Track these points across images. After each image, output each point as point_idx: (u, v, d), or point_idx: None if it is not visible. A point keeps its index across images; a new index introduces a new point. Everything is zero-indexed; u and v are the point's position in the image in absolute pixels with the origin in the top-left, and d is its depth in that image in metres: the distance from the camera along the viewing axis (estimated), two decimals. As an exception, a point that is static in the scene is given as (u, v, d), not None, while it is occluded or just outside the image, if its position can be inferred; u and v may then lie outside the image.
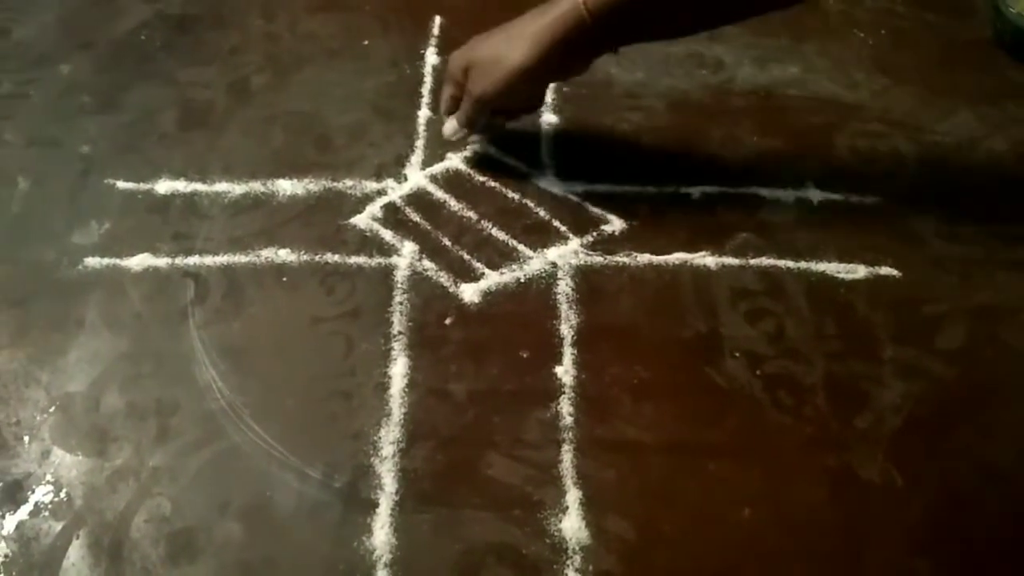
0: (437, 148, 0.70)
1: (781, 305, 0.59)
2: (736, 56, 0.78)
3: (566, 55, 0.59)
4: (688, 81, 0.76)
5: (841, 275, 0.61)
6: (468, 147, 0.70)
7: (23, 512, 0.50)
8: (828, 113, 0.73)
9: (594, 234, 0.64)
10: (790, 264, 0.62)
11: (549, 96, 0.74)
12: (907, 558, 0.48)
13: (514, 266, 0.62)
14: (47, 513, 0.50)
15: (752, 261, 0.62)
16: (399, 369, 0.56)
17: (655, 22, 0.59)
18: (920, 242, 0.63)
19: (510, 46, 0.59)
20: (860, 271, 0.61)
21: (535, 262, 0.62)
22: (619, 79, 0.75)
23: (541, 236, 0.64)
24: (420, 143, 0.70)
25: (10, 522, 0.49)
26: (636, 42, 0.61)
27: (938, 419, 0.54)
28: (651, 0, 0.57)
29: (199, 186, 0.67)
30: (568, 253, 0.62)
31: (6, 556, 0.48)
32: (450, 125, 0.66)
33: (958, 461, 0.52)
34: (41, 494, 0.51)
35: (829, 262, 0.62)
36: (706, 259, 0.62)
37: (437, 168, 0.68)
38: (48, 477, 0.51)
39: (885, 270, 0.61)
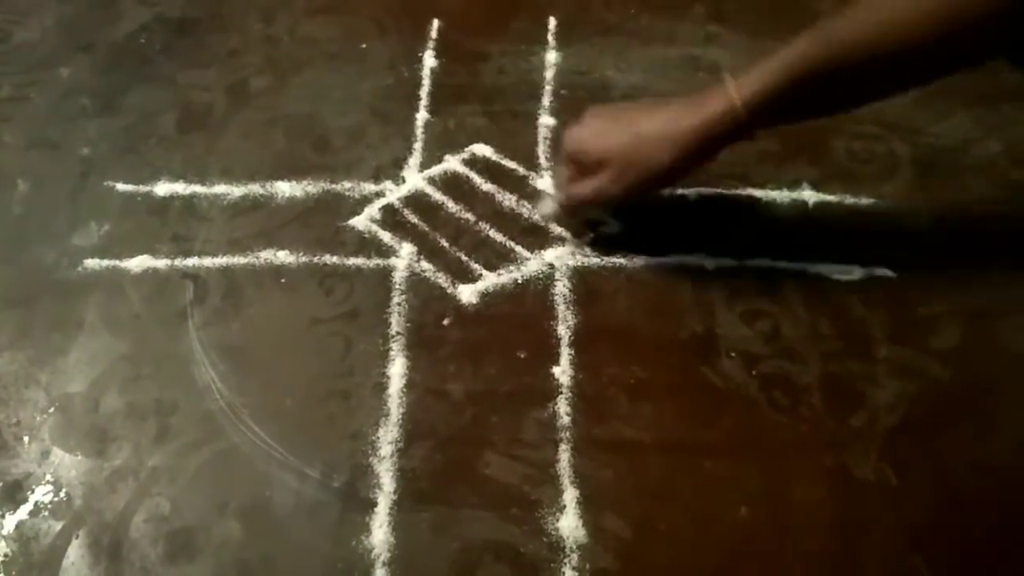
0: (435, 150, 0.70)
1: (777, 306, 0.60)
2: (733, 59, 0.78)
3: (711, 152, 0.56)
4: (685, 84, 0.76)
5: (837, 276, 0.61)
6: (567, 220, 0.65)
7: (23, 512, 0.50)
8: (824, 115, 0.73)
9: (591, 235, 0.64)
10: (786, 265, 0.62)
11: (546, 99, 0.74)
12: (902, 556, 0.48)
13: (512, 267, 0.62)
14: (47, 513, 0.50)
15: (748, 262, 0.62)
16: (397, 369, 0.56)
17: (810, 105, 0.55)
18: (915, 243, 0.64)
19: (658, 147, 0.55)
20: (855, 272, 0.61)
21: (532, 263, 0.62)
22: (616, 82, 0.76)
23: (538, 238, 0.64)
24: (418, 145, 0.71)
25: (10, 522, 0.50)
26: (777, 124, 0.57)
27: (933, 419, 0.54)
28: (809, 84, 0.51)
29: (198, 188, 0.67)
30: (565, 254, 0.63)
31: (6, 555, 0.48)
32: (554, 207, 0.64)
33: (953, 460, 0.52)
34: (41, 494, 0.51)
35: (825, 263, 0.62)
36: (703, 260, 0.62)
37: (435, 170, 0.69)
38: (48, 477, 0.51)
39: (880, 271, 0.61)
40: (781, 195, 0.67)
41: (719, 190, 0.67)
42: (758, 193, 0.67)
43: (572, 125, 0.60)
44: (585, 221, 0.64)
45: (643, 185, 0.57)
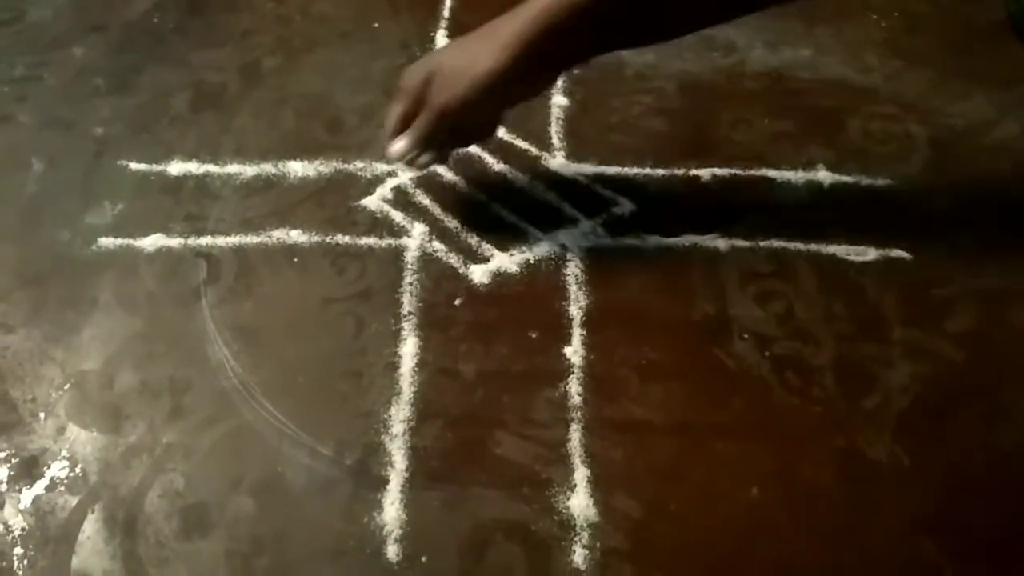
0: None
1: (790, 287, 0.59)
2: (748, 39, 0.78)
3: (540, 60, 0.52)
4: (699, 63, 0.76)
5: (851, 257, 0.61)
6: (413, 171, 0.64)
7: (39, 487, 0.51)
8: (840, 96, 0.73)
9: (604, 216, 0.64)
10: (800, 246, 0.62)
11: (560, 79, 0.74)
12: (913, 538, 0.48)
13: (523, 248, 0.62)
14: (63, 488, 0.51)
15: (762, 243, 0.62)
16: (409, 349, 0.56)
17: (638, 21, 0.52)
18: (931, 225, 0.63)
19: (480, 51, 0.53)
20: (870, 253, 0.61)
21: (544, 244, 0.62)
22: (630, 61, 0.75)
23: (551, 218, 0.64)
24: (430, 125, 0.70)
25: (27, 496, 0.50)
26: (611, 49, 0.56)
27: (946, 401, 0.54)
28: None
29: (211, 167, 0.68)
30: (578, 235, 0.63)
31: (23, 530, 0.49)
32: (400, 145, 0.57)
33: (965, 443, 0.52)
34: (57, 469, 0.51)
35: (839, 244, 0.61)
36: (716, 241, 0.62)
37: (447, 150, 0.69)
38: (64, 453, 0.52)
39: (895, 252, 0.61)
40: (796, 176, 0.66)
41: (733, 171, 0.66)
42: (773, 174, 0.66)
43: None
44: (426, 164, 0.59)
45: (478, 88, 0.53)
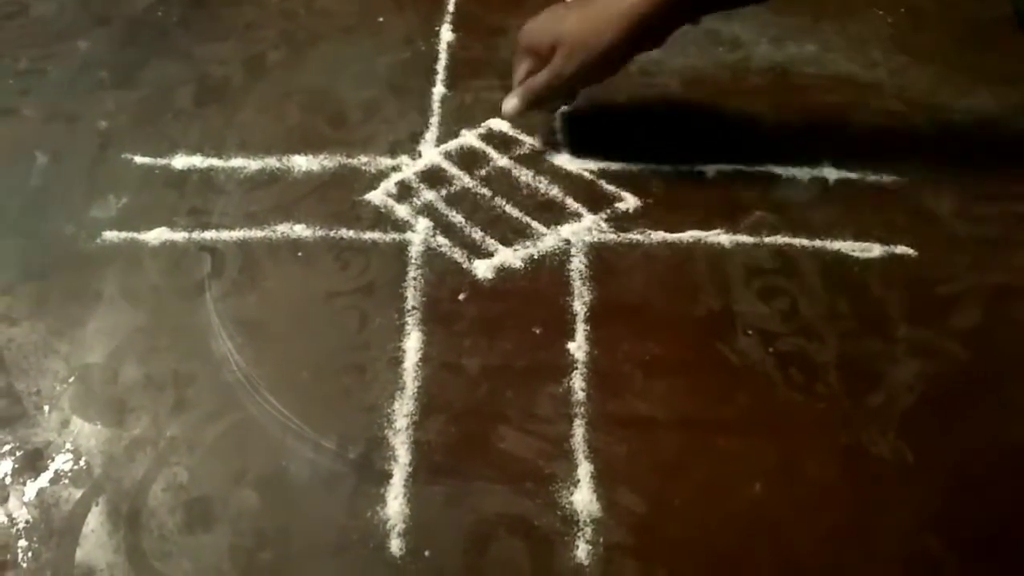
0: (451, 125, 0.70)
1: (795, 283, 0.59)
2: (753, 34, 0.78)
3: (656, 28, 0.58)
4: (704, 59, 0.75)
5: (856, 254, 0.61)
6: (560, 137, 0.68)
7: (43, 479, 0.51)
8: (845, 92, 0.73)
9: (608, 211, 0.64)
10: (804, 242, 0.61)
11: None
12: (918, 535, 0.48)
13: (527, 243, 0.62)
14: (67, 481, 0.51)
15: (766, 239, 0.62)
16: (413, 343, 0.56)
17: None
18: (936, 221, 0.63)
19: (606, 24, 0.57)
20: (875, 250, 0.61)
21: (549, 239, 0.62)
22: (635, 57, 0.75)
23: (555, 213, 0.64)
24: (434, 120, 0.70)
25: (31, 489, 0.50)
26: (719, 9, 0.62)
27: (951, 398, 0.54)
28: None
29: (215, 161, 0.67)
30: (582, 230, 0.62)
31: (27, 522, 0.49)
32: (514, 102, 0.64)
33: (970, 440, 0.52)
34: (61, 462, 0.51)
35: (844, 241, 0.61)
36: (720, 237, 0.62)
37: (451, 145, 0.69)
38: (68, 446, 0.52)
39: (900, 249, 0.61)
40: (801, 172, 0.66)
41: (738, 166, 0.66)
42: (777, 170, 0.66)
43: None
44: (551, 111, 0.68)
45: (596, 64, 0.59)
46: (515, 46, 0.64)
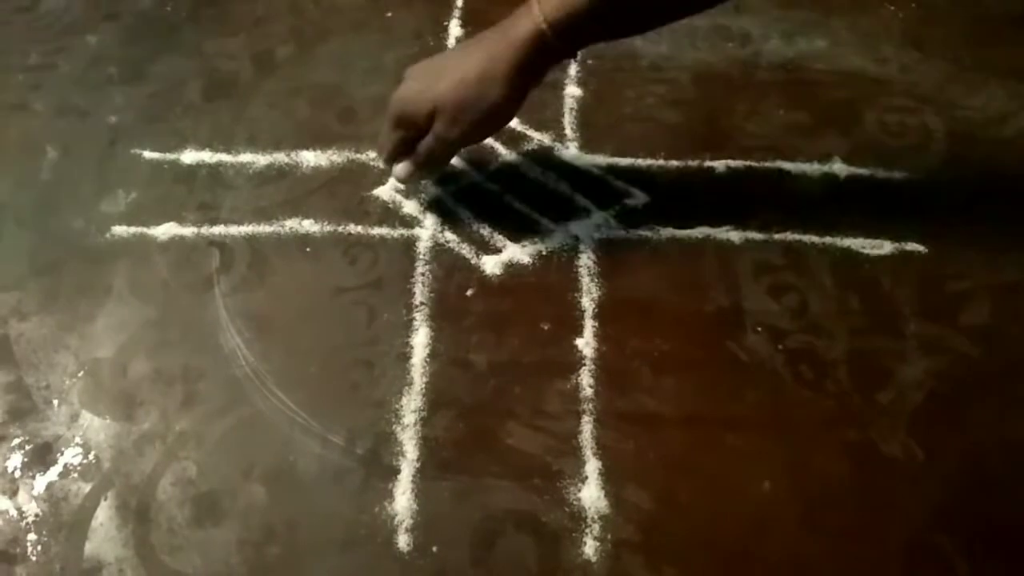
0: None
1: (804, 280, 0.59)
2: (763, 29, 0.77)
3: (534, 78, 0.56)
4: (714, 54, 0.75)
5: (866, 250, 0.60)
6: (417, 189, 0.65)
7: (53, 473, 0.51)
8: (856, 87, 0.72)
9: (617, 207, 0.63)
10: (814, 239, 0.61)
11: (573, 69, 0.73)
12: (927, 533, 0.48)
13: (536, 239, 0.62)
14: (76, 475, 0.51)
15: (776, 236, 0.61)
16: (421, 339, 0.56)
17: (618, 21, 0.56)
18: (946, 218, 0.63)
19: (484, 86, 0.55)
20: (885, 247, 0.61)
21: (557, 235, 0.62)
22: (644, 52, 0.75)
23: (563, 209, 0.63)
24: (443, 115, 0.70)
25: (40, 483, 0.51)
26: (594, 43, 0.59)
27: (961, 396, 0.53)
28: (608, 4, 0.53)
29: (224, 157, 0.68)
30: (590, 226, 0.62)
31: (36, 516, 0.49)
32: (404, 168, 0.60)
33: (980, 438, 0.52)
34: (70, 456, 0.52)
35: (854, 237, 0.61)
36: (729, 233, 0.61)
37: (460, 140, 0.68)
38: (77, 440, 0.52)
39: (911, 246, 0.61)
40: (811, 168, 0.66)
41: (748, 163, 0.66)
42: (788, 166, 0.66)
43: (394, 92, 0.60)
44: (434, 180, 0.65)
45: (481, 126, 0.58)
46: (388, 117, 0.60)
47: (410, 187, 0.64)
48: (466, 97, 0.56)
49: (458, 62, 0.57)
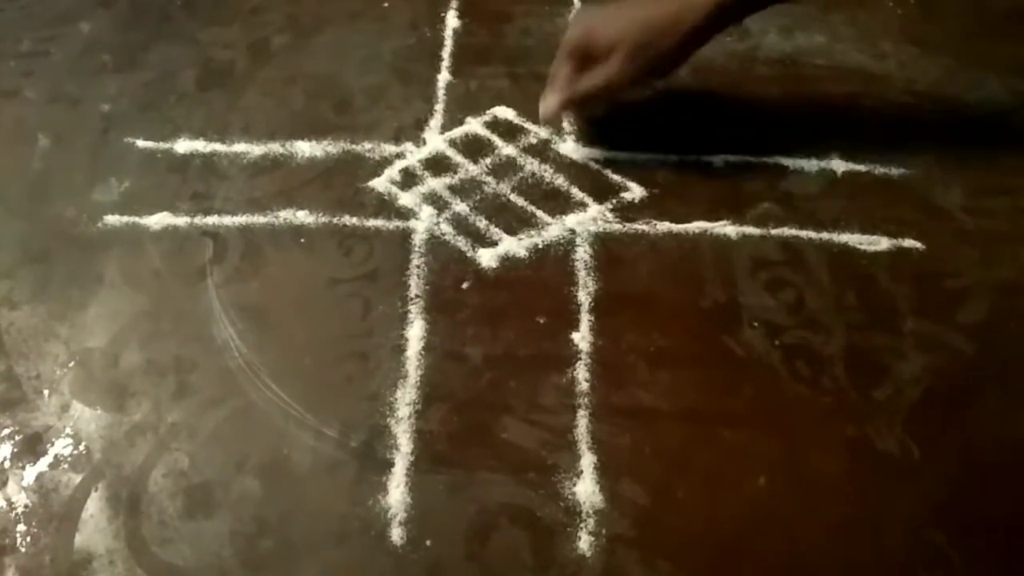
0: (456, 112, 0.69)
1: (801, 276, 0.59)
2: (762, 24, 0.77)
3: (702, 42, 0.59)
4: (712, 48, 0.73)
5: (863, 247, 0.60)
6: (567, 125, 0.67)
7: (43, 464, 0.50)
8: (854, 83, 0.72)
9: (614, 201, 0.63)
10: (812, 235, 0.61)
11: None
12: (923, 530, 0.48)
13: (532, 232, 0.61)
14: (66, 465, 0.50)
15: (773, 231, 0.61)
16: (416, 332, 0.56)
17: None
18: (945, 215, 0.62)
19: (667, 33, 0.58)
20: (883, 243, 0.60)
21: (553, 228, 0.61)
22: (642, 45, 0.74)
23: (560, 202, 0.63)
24: (439, 107, 0.70)
25: (30, 473, 0.50)
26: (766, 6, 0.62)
27: (957, 393, 0.53)
28: None
29: (218, 146, 0.67)
30: (587, 220, 0.62)
31: (26, 507, 0.49)
32: (555, 100, 0.62)
33: (977, 435, 0.52)
34: (61, 447, 0.51)
35: (852, 233, 0.61)
36: (727, 228, 0.61)
37: (456, 132, 0.68)
38: (68, 430, 0.52)
39: (908, 242, 0.60)
40: (809, 164, 0.65)
41: (745, 157, 0.66)
42: (785, 161, 0.66)
43: (573, 23, 0.61)
44: (587, 119, 0.66)
45: (651, 72, 0.60)
46: (564, 45, 0.62)
47: (556, 123, 0.66)
48: (650, 39, 0.58)
49: (641, 7, 0.59)
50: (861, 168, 0.65)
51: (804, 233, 0.61)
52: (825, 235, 0.61)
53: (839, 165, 0.65)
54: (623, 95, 0.63)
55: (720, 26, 0.60)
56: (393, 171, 0.65)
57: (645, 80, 0.62)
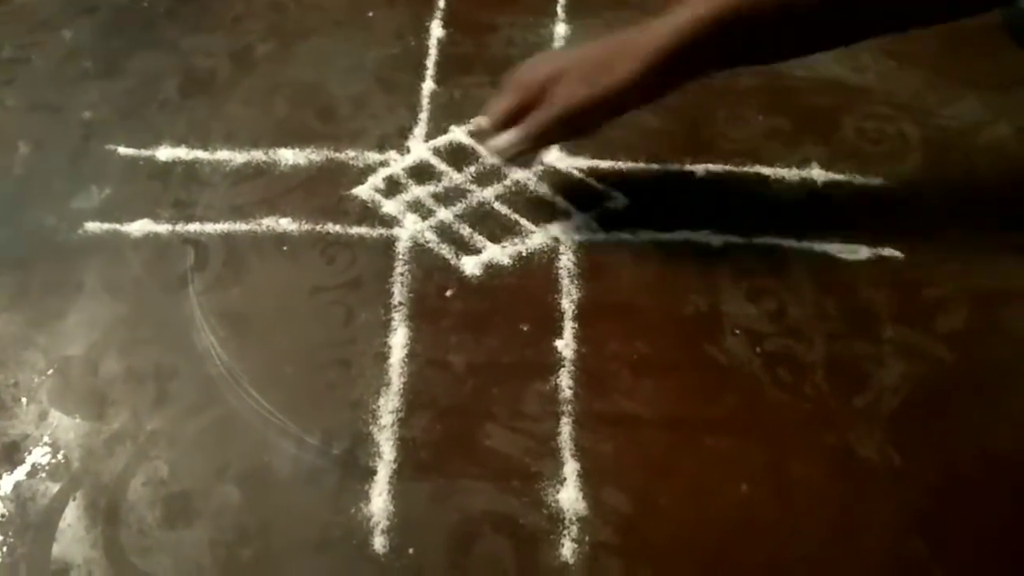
0: (440, 121, 0.69)
1: (783, 284, 0.59)
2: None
3: (673, 73, 0.53)
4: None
5: (844, 255, 0.61)
6: (508, 163, 0.64)
7: (20, 473, 0.50)
8: (834, 95, 0.73)
9: (597, 210, 0.63)
10: (793, 244, 0.61)
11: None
12: (903, 537, 0.48)
13: (516, 240, 0.61)
14: (44, 474, 0.50)
15: (755, 240, 0.61)
16: (399, 339, 0.56)
17: (775, 34, 0.52)
18: (923, 224, 0.63)
19: (615, 59, 0.53)
20: (863, 252, 0.61)
21: (537, 236, 0.62)
22: (625, 56, 0.75)
23: (544, 211, 0.63)
24: (423, 115, 0.70)
25: (7, 482, 0.49)
26: (739, 64, 0.57)
27: (937, 400, 0.54)
28: (773, 9, 0.50)
29: (200, 154, 0.67)
30: (571, 228, 0.62)
31: (2, 516, 0.48)
32: (508, 138, 0.57)
33: (957, 443, 0.52)
34: (38, 455, 0.51)
35: (832, 242, 0.61)
36: (709, 237, 0.61)
37: (440, 141, 0.68)
38: (45, 439, 0.51)
39: (888, 251, 0.61)
40: (790, 173, 0.66)
41: (727, 167, 0.66)
42: (767, 171, 0.66)
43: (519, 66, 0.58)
44: (528, 163, 0.65)
45: (603, 102, 0.53)
46: (507, 82, 0.58)
47: (516, 161, 0.63)
48: (595, 67, 0.53)
49: (590, 45, 0.56)
50: (841, 178, 0.66)
51: (785, 242, 0.61)
52: (806, 244, 0.61)
53: (819, 175, 0.66)
54: (579, 128, 0.58)
55: (683, 68, 0.53)
56: (377, 179, 0.65)
57: (590, 119, 0.56)
